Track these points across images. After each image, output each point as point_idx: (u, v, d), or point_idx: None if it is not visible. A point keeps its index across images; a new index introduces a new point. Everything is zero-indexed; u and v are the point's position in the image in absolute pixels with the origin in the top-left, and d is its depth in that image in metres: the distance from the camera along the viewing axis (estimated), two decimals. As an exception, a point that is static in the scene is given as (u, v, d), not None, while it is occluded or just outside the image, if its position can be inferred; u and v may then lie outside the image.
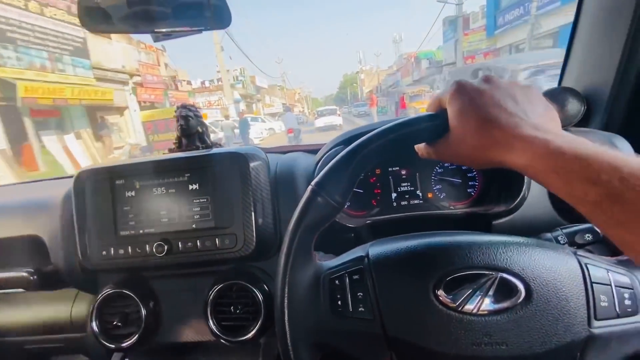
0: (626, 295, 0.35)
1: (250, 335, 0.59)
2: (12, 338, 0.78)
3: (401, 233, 0.70)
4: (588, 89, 0.69)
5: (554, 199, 0.62)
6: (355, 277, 0.38)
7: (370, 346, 0.36)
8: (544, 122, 0.31)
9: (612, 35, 0.64)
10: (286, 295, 0.36)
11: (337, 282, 0.38)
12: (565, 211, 0.61)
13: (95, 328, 0.61)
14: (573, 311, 0.34)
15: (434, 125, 0.36)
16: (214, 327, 0.59)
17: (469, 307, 0.35)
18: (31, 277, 0.70)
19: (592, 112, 0.70)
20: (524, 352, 0.34)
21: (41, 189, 0.88)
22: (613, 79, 0.63)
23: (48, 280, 0.71)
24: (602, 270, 0.36)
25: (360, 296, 0.37)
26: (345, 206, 0.38)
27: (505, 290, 0.35)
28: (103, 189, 0.61)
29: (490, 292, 0.35)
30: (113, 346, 0.60)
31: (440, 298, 0.36)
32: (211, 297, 0.60)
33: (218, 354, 0.64)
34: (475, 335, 0.35)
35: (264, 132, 15.23)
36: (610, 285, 0.35)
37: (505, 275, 0.36)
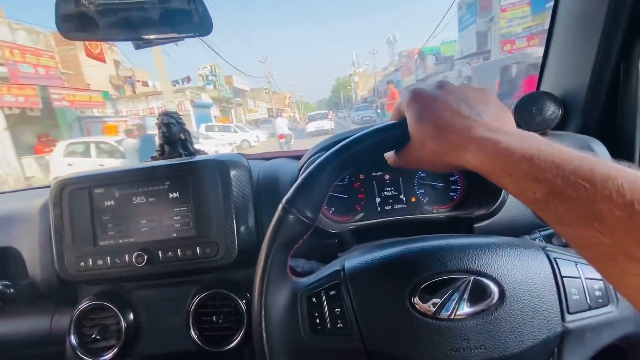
0: (596, 287, 0.36)
1: (233, 345, 0.58)
2: None
3: (385, 237, 0.70)
4: (565, 93, 0.71)
5: None
6: (332, 292, 0.38)
7: None
8: (497, 123, 0.32)
9: (585, 40, 0.65)
10: (263, 316, 0.36)
11: (314, 299, 0.38)
12: None
13: (73, 342, 0.59)
14: (546, 307, 0.35)
15: (396, 134, 0.37)
16: (195, 338, 0.58)
17: (445, 313, 0.35)
18: (8, 291, 0.68)
19: (569, 116, 0.71)
20: (501, 353, 0.34)
21: (16, 199, 0.86)
22: (588, 82, 0.65)
23: (25, 294, 0.70)
24: (571, 263, 0.37)
25: (338, 312, 0.37)
26: (316, 222, 0.38)
27: (479, 293, 0.35)
28: (81, 198, 0.60)
29: (465, 296, 0.35)
30: None
31: (417, 306, 0.36)
32: (193, 306, 0.59)
33: None
34: (453, 341, 0.35)
35: (225, 148, 10.49)
36: (580, 278, 0.36)
37: (478, 277, 0.36)
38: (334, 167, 0.37)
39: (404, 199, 0.73)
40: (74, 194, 0.60)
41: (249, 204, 0.61)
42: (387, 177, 0.74)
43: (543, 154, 0.26)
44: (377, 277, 0.38)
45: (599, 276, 0.36)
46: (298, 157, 0.77)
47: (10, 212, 0.72)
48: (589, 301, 0.35)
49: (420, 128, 0.34)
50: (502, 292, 0.35)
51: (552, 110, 0.69)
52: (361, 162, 0.38)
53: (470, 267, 0.36)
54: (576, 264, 0.36)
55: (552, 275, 0.36)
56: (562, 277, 0.36)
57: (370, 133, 0.37)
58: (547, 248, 0.38)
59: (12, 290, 0.69)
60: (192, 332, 0.58)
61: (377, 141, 0.37)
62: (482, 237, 0.40)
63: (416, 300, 0.36)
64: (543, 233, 0.53)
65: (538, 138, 0.29)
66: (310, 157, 0.68)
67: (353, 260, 0.40)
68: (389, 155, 0.41)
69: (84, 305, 0.60)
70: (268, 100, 40.06)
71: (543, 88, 0.78)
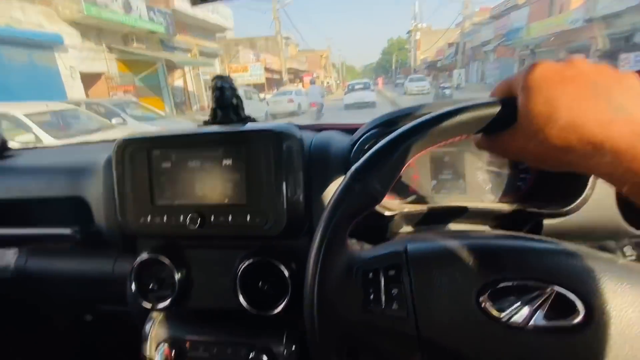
0: None
1: (276, 311, 0.60)
2: (59, 289, 0.87)
3: (439, 224, 0.66)
4: None
5: (623, 204, 0.54)
6: (391, 272, 0.35)
7: (400, 344, 0.35)
8: None
9: None
10: (317, 282, 0.34)
11: (370, 275, 0.36)
12: (634, 219, 0.53)
13: (133, 288, 0.64)
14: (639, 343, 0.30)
15: (500, 114, 0.31)
16: (241, 300, 0.61)
17: (516, 320, 0.32)
18: (76, 235, 0.75)
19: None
20: None
21: (84, 152, 0.93)
22: None
23: (91, 240, 0.77)
24: None
25: (394, 293, 0.35)
26: (385, 196, 0.35)
27: (560, 308, 0.31)
28: (140, 158, 0.62)
29: (544, 307, 0.32)
30: (149, 306, 0.64)
31: (484, 306, 0.33)
32: (240, 271, 0.61)
33: (246, 325, 0.66)
34: (520, 351, 0.31)
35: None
36: None
37: (561, 289, 0.31)
38: (417, 140, 0.33)
39: (463, 184, 0.67)
40: (134, 154, 0.62)
41: (299, 176, 0.59)
42: (446, 158, 0.68)
43: None
44: (443, 266, 0.35)
45: None
46: (349, 131, 0.74)
47: (79, 164, 0.77)
48: None
49: (540, 114, 0.28)
50: (589, 312, 0.30)
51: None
52: (447, 140, 0.33)
53: (554, 277, 0.32)
54: None
55: None
56: None
57: (465, 107, 0.32)
58: None
59: (79, 235, 0.76)
60: (239, 294, 0.61)
61: (472, 118, 0.32)
62: (573, 245, 0.35)
63: (485, 299, 0.33)
64: (635, 240, 0.46)
65: None
66: (365, 132, 0.64)
67: (417, 244, 0.37)
68: (479, 137, 0.35)
69: (142, 257, 0.64)
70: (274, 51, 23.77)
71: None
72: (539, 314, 0.32)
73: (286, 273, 0.60)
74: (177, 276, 0.64)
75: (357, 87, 17.32)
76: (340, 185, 0.35)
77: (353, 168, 0.35)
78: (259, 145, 0.58)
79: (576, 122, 0.26)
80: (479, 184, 0.66)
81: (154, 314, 0.72)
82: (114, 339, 1.11)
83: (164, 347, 0.66)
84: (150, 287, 0.65)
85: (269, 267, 0.61)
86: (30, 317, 1.05)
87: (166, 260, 0.64)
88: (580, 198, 0.53)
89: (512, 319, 0.32)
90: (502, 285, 0.33)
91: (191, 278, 0.67)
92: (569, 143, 0.27)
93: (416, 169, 0.69)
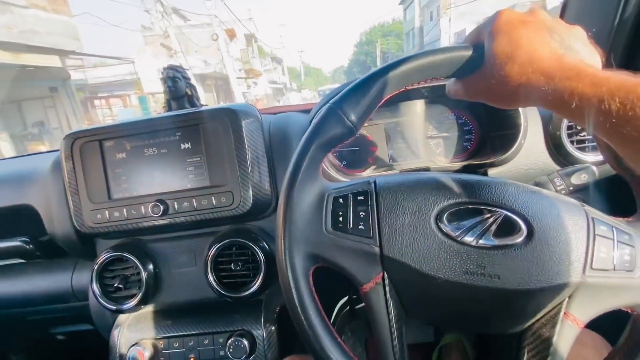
0: (627, 251, 0.35)
1: (251, 290, 0.59)
2: (14, 310, 0.79)
3: None
4: (589, 27, 0.68)
5: (549, 146, 0.62)
6: (360, 197, 0.38)
7: (364, 262, 0.37)
8: (587, 60, 0.31)
9: None
10: (288, 205, 0.36)
11: (340, 200, 0.38)
12: (559, 158, 0.61)
13: (96, 290, 0.61)
14: (570, 257, 0.34)
15: (469, 56, 0.35)
16: (214, 284, 0.60)
17: (468, 238, 0.35)
18: (27, 246, 0.69)
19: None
20: (516, 286, 0.34)
21: (27, 162, 0.86)
22: (612, 16, 0.61)
23: (45, 249, 0.71)
24: (608, 225, 0.36)
25: (362, 215, 0.37)
26: (357, 132, 0.37)
27: (507, 228, 0.35)
28: (93, 151, 0.59)
29: (492, 228, 0.35)
30: (114, 307, 0.61)
31: (441, 226, 0.36)
32: (210, 255, 0.60)
33: (220, 312, 0.65)
34: (469, 264, 0.35)
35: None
36: (613, 240, 0.35)
37: (509, 214, 0.36)
38: (391, 77, 0.35)
39: (416, 150, 0.72)
40: (85, 147, 0.59)
41: (261, 154, 0.60)
42: (399, 128, 0.72)
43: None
44: (407, 193, 0.38)
45: (632, 242, 0.36)
46: (307, 112, 0.76)
47: (22, 172, 0.72)
48: (615, 262, 0.35)
49: (503, 53, 0.32)
50: (530, 232, 0.35)
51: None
52: (418, 80, 0.36)
53: (504, 203, 0.36)
54: (613, 228, 0.36)
55: (585, 230, 0.35)
56: (595, 234, 0.35)
57: (438, 50, 0.35)
58: (587, 207, 0.38)
59: (31, 246, 0.70)
60: (211, 278, 0.60)
61: (444, 59, 0.35)
62: (522, 183, 0.39)
63: (442, 220, 0.36)
64: (561, 172, 0.52)
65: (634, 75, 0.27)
66: (321, 106, 0.66)
67: (384, 177, 0.40)
68: (450, 83, 0.39)
69: (103, 256, 0.61)
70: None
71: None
72: (488, 234, 0.36)
73: (258, 251, 0.60)
74: (144, 272, 0.62)
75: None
76: (317, 115, 0.37)
77: (332, 100, 0.36)
78: (218, 125, 0.58)
79: (534, 58, 0.31)
80: (431, 148, 0.71)
81: (122, 319, 0.68)
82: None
83: (135, 350, 0.63)
84: (115, 287, 0.61)
85: (240, 248, 0.61)
86: None
87: (131, 257, 0.61)
88: (515, 146, 0.60)
89: (465, 238, 0.36)
90: (457, 208, 0.37)
91: (159, 272, 0.65)
92: (527, 77, 0.31)
93: (373, 141, 0.72)
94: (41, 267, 0.76)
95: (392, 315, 0.37)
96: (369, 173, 0.70)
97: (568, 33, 0.33)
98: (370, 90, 0.35)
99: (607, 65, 0.33)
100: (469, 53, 0.35)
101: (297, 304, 0.34)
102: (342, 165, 0.72)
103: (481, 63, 0.34)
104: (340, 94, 0.36)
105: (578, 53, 0.32)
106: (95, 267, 0.61)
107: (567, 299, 0.36)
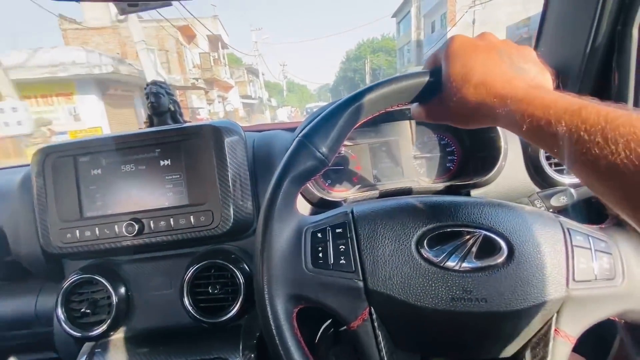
0: (605, 259, 0.36)
1: (229, 315, 0.56)
2: None
3: None
4: (559, 60, 0.71)
5: (529, 168, 0.63)
6: (338, 230, 0.37)
7: (349, 299, 0.36)
8: (538, 81, 0.32)
9: (580, 6, 0.65)
10: (266, 246, 0.35)
11: (319, 235, 0.37)
12: (538, 180, 0.62)
13: (61, 316, 0.56)
14: (553, 272, 0.35)
15: (428, 82, 0.36)
16: (190, 308, 0.56)
17: (450, 263, 0.35)
18: None
19: (564, 84, 0.71)
20: (502, 308, 0.34)
21: None
22: (583, 49, 0.64)
23: (9, 272, 0.66)
24: (584, 235, 0.37)
25: (342, 249, 0.36)
26: (330, 164, 0.37)
27: (487, 249, 0.35)
28: (66, 167, 0.57)
29: (473, 250, 0.35)
30: (80, 334, 0.56)
31: (422, 253, 0.35)
32: (187, 277, 0.57)
33: (196, 338, 0.61)
34: (455, 290, 0.34)
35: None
36: (591, 249, 0.36)
37: (488, 233, 0.36)
38: (357, 107, 0.36)
39: (401, 170, 0.72)
40: (57, 163, 0.57)
41: (244, 173, 0.59)
42: (383, 149, 0.73)
43: (590, 107, 0.26)
44: (385, 220, 0.37)
45: (609, 250, 0.36)
46: (292, 130, 0.76)
47: None
48: (595, 272, 0.35)
49: (458, 76, 0.33)
50: (511, 250, 0.35)
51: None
52: (383, 107, 0.37)
53: (481, 223, 0.36)
54: (588, 237, 0.37)
55: (563, 242, 0.36)
56: (572, 245, 0.36)
57: (399, 77, 0.36)
58: (561, 219, 0.38)
59: None
60: (187, 302, 0.56)
61: (405, 86, 0.36)
62: (495, 200, 0.40)
63: (423, 247, 0.36)
64: (541, 194, 0.53)
65: (581, 98, 0.28)
66: (306, 125, 0.66)
67: (361, 206, 0.40)
68: (415, 107, 0.40)
69: (72, 278, 0.57)
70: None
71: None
72: (470, 256, 0.35)
73: (238, 273, 0.57)
74: (115, 296, 0.58)
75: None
76: (288, 150, 0.36)
77: (301, 133, 0.36)
78: (199, 142, 0.57)
79: (486, 80, 0.32)
80: (415, 169, 0.72)
81: (88, 347, 0.63)
82: None
83: None
84: (82, 312, 0.57)
85: (218, 269, 0.58)
86: None
87: (101, 279, 0.58)
88: (496, 167, 0.61)
89: (448, 263, 0.35)
90: (437, 232, 0.36)
91: (131, 296, 0.61)
92: (481, 98, 0.32)
93: (358, 160, 0.72)
94: (3, 290, 0.70)
95: (383, 350, 0.36)
96: (353, 192, 0.70)
97: (518, 54, 0.34)
98: (339, 121, 0.36)
99: (561, 83, 0.35)
100: (426, 79, 0.36)
101: (282, 353, 0.33)
102: (326, 184, 0.72)
103: (439, 87, 0.35)
104: (309, 126, 0.36)
105: (528, 73, 0.33)
106: (62, 290, 0.57)
107: (555, 315, 0.36)
